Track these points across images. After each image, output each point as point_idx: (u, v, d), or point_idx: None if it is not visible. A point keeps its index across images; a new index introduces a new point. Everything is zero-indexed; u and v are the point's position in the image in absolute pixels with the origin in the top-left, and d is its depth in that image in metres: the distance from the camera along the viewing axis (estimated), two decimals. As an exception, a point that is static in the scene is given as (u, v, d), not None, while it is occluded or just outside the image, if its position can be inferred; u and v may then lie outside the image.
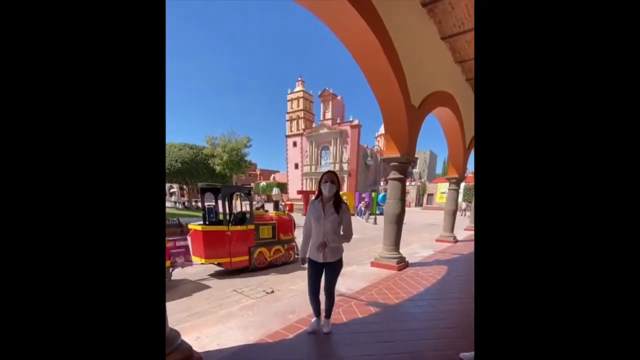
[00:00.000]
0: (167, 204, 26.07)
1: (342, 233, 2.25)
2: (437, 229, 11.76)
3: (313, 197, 2.37)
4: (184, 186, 23.85)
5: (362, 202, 19.03)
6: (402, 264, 4.70)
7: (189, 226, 4.99)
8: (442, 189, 35.12)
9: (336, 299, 3.32)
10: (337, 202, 2.22)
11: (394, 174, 4.67)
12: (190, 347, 1.98)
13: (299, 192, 22.84)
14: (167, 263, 4.13)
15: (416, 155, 5.00)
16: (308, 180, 43.48)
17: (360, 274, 4.35)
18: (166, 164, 19.77)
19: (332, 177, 2.20)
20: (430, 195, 39.93)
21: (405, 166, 4.69)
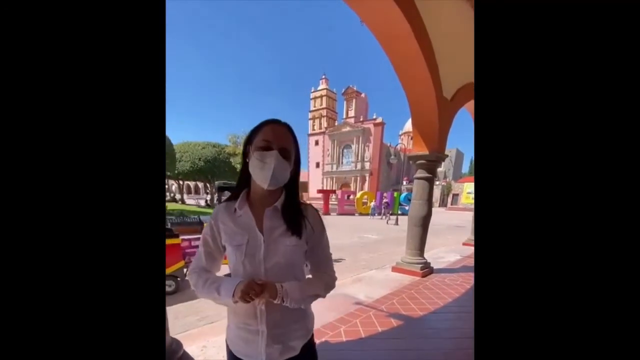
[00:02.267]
0: (190, 202, 26.93)
1: (309, 276, 0.91)
2: (463, 231, 11.19)
3: (222, 199, 0.82)
4: (207, 184, 24.42)
5: (383, 202, 18.60)
6: (427, 270, 4.36)
7: (205, 225, 4.91)
8: (468, 189, 33.66)
9: (354, 307, 3.07)
10: (293, 207, 0.85)
11: (420, 173, 4.34)
12: (191, 360, 1.82)
13: (319, 191, 22.70)
14: (182, 263, 4.05)
15: (445, 153, 4.62)
16: (329, 179, 43.47)
17: (380, 279, 4.07)
18: (189, 162, 20.42)
19: (284, 141, 0.81)
20: (456, 195, 38.54)
21: (433, 164, 4.35)
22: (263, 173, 0.78)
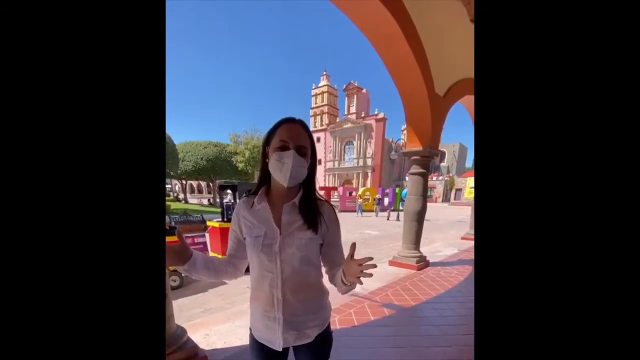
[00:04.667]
0: (193, 201, 27.23)
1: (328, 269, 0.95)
2: (464, 225, 11.30)
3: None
4: (210, 183, 24.69)
5: (375, 197, 18.65)
6: (422, 263, 4.49)
7: (208, 223, 5.08)
8: (471, 183, 33.43)
9: (349, 299, 3.22)
10: (311, 201, 0.91)
11: (415, 169, 4.47)
12: (195, 346, 1.98)
13: (321, 188, 22.85)
14: (186, 259, 4.22)
15: (445, 149, 4.80)
16: (331, 176, 43.51)
17: (376, 273, 4.18)
18: (192, 162, 20.66)
19: (299, 138, 0.86)
20: (459, 190, 38.48)
21: (427, 160, 4.47)
22: (282, 173, 0.83)
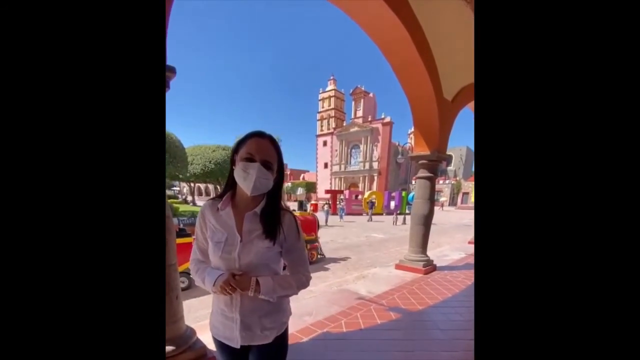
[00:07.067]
0: (201, 203, 27.44)
1: (285, 273, 1.00)
2: (471, 229, 11.17)
3: (211, 198, 1.01)
4: (217, 186, 24.89)
5: (368, 200, 18.46)
6: (429, 267, 4.47)
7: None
8: (479, 187, 33.09)
9: (356, 302, 3.23)
10: (273, 211, 0.93)
11: (422, 173, 4.47)
12: (204, 347, 2.01)
13: (327, 191, 22.85)
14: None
15: (452, 152, 4.75)
16: (337, 179, 43.51)
17: (383, 276, 4.21)
18: (200, 165, 20.90)
19: (266, 154, 0.89)
20: (466, 193, 38.13)
21: (435, 164, 4.46)
22: (246, 182, 0.87)
